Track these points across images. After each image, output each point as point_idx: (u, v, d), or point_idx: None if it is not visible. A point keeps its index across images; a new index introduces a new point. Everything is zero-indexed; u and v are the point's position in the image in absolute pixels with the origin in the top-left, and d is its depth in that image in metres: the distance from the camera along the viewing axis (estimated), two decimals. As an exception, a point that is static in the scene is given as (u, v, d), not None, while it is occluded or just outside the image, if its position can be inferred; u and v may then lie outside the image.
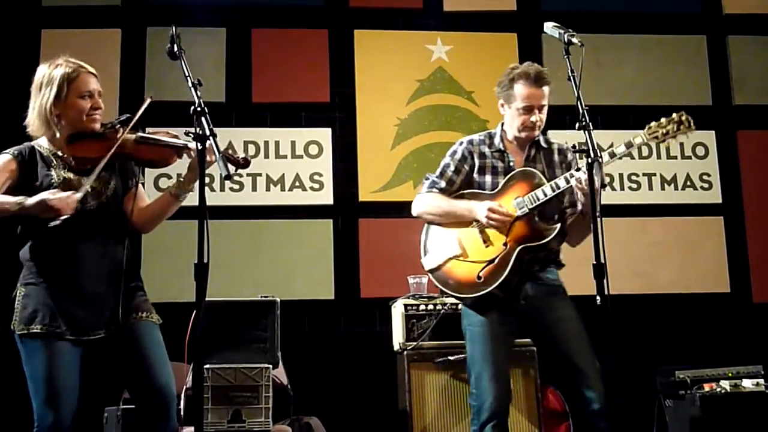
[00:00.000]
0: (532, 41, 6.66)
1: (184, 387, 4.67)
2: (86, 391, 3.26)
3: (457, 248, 3.91)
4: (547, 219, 3.79)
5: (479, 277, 3.80)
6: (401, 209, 6.20)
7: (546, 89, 3.89)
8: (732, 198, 6.67)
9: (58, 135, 3.30)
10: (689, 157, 6.69)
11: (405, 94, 6.61)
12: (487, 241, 3.84)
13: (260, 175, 6.32)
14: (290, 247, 6.23)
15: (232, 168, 3.16)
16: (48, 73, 3.34)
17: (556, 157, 3.99)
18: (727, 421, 4.86)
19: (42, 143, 3.33)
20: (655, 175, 6.64)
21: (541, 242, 3.73)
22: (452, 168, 4.03)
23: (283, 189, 6.33)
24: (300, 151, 6.40)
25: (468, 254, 3.88)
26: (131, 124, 3.28)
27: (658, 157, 6.66)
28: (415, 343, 4.92)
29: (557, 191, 3.72)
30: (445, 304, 4.98)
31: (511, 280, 3.75)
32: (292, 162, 6.36)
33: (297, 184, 6.35)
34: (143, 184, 3.50)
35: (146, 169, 3.61)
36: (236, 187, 6.23)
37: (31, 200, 3.06)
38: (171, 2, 6.36)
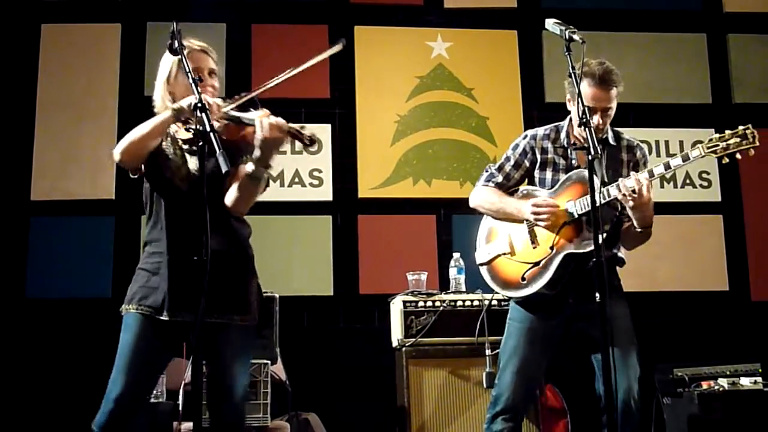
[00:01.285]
0: (532, 38, 6.66)
1: (183, 382, 4.67)
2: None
3: (506, 246, 3.90)
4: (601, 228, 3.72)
5: (523, 278, 3.78)
6: (401, 206, 6.25)
7: (613, 91, 3.80)
8: (731, 196, 6.67)
9: None
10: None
11: (405, 91, 6.60)
12: (535, 241, 3.82)
13: (271, 173, 6.29)
14: (289, 243, 6.23)
15: (299, 145, 3.13)
16: (166, 56, 3.35)
17: (624, 155, 3.93)
18: (725, 419, 4.86)
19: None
20: (654, 173, 6.63)
21: (585, 250, 3.67)
22: (512, 162, 4.00)
23: (282, 185, 6.32)
24: (299, 147, 6.37)
25: (516, 253, 3.87)
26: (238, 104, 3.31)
27: (658, 154, 6.66)
28: (413, 340, 4.93)
29: (608, 199, 3.66)
30: (444, 301, 4.99)
31: (555, 284, 3.72)
32: (291, 158, 6.35)
33: (296, 180, 6.34)
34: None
35: None
36: (236, 182, 6.22)
37: (185, 103, 3.13)
38: (171, -3, 6.37)
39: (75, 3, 6.39)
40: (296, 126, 3.13)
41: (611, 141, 3.93)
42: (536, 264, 3.78)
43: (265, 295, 4.86)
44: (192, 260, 3.00)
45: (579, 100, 3.36)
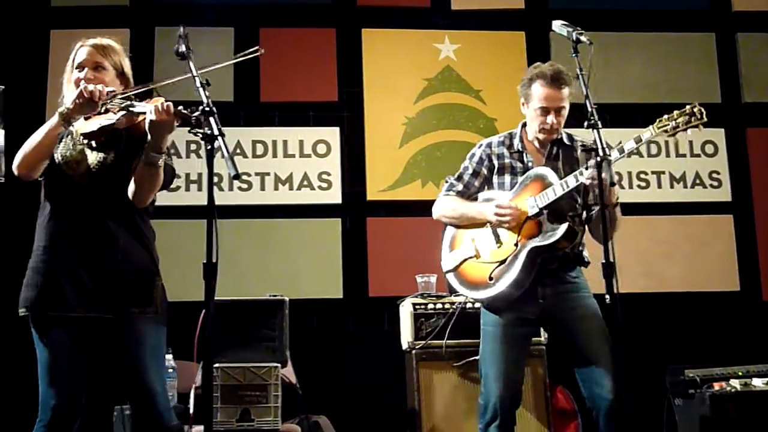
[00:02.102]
0: (540, 39, 6.66)
1: (194, 386, 4.68)
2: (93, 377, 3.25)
3: (471, 249, 3.93)
4: (561, 218, 3.74)
5: (491, 278, 3.80)
6: (409, 208, 6.24)
7: (565, 91, 3.85)
8: (742, 196, 6.65)
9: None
10: (698, 155, 6.67)
11: (413, 93, 6.60)
12: (499, 241, 3.85)
13: (268, 174, 6.33)
14: (298, 246, 6.24)
15: (172, 121, 3.11)
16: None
17: (579, 154, 3.94)
18: (737, 420, 4.84)
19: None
20: (664, 173, 6.62)
21: (548, 242, 3.71)
22: (470, 171, 4.07)
23: (291, 188, 6.33)
24: (308, 150, 6.41)
25: (481, 255, 3.89)
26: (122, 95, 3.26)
27: (667, 155, 6.65)
28: (423, 342, 4.93)
29: (567, 189, 3.69)
30: (453, 303, 4.98)
31: (523, 280, 3.74)
32: (300, 161, 6.37)
33: (305, 183, 6.35)
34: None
35: None
36: (244, 186, 6.24)
37: (68, 101, 3.18)
38: (179, 2, 6.38)
39: (84, 9, 6.41)
40: (184, 109, 3.09)
41: (566, 141, 3.98)
42: (502, 262, 3.80)
43: (274, 298, 4.92)
44: (81, 252, 3.12)
45: (587, 101, 3.36)
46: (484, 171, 4.03)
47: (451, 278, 4.01)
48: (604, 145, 3.25)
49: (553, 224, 3.73)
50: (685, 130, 3.58)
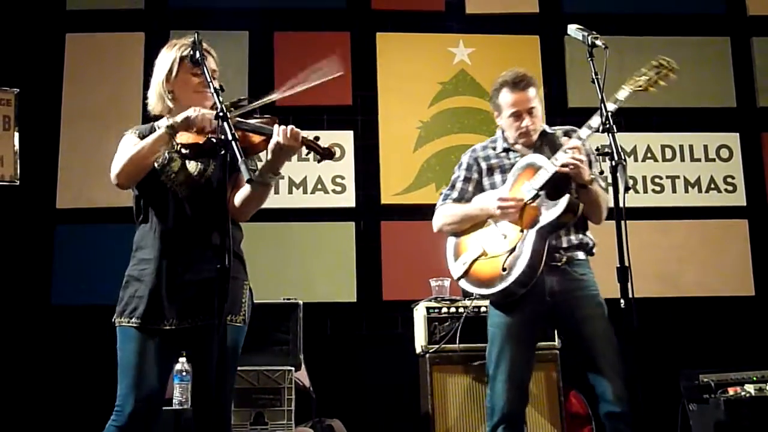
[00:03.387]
0: (554, 44, 6.65)
1: (207, 389, 4.69)
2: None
3: (478, 249, 3.92)
4: (560, 195, 3.73)
5: (504, 269, 3.78)
6: (423, 212, 6.20)
7: (531, 91, 3.94)
8: (757, 200, 6.62)
9: (172, 108, 3.31)
10: (713, 160, 6.65)
11: (427, 97, 6.61)
12: (504, 233, 3.84)
13: (282, 177, 6.32)
14: (312, 249, 6.25)
15: (299, 147, 3.16)
16: (165, 53, 3.40)
17: (562, 140, 3.93)
18: (752, 425, 4.82)
19: (161, 123, 3.32)
20: (678, 177, 6.60)
21: (553, 219, 3.70)
22: (461, 178, 4.11)
23: (305, 192, 6.34)
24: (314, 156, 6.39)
25: (489, 251, 3.88)
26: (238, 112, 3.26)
27: (682, 159, 6.63)
28: (437, 346, 4.93)
29: (557, 166, 3.69)
30: (467, 307, 4.98)
31: (536, 263, 3.72)
32: (314, 165, 6.35)
33: (319, 186, 6.36)
34: (254, 170, 3.35)
35: None
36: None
37: (177, 118, 3.14)
38: (194, 6, 6.40)
39: (99, 12, 6.45)
40: (311, 137, 3.13)
41: (548, 131, 4.02)
42: (512, 250, 3.79)
43: (288, 301, 4.93)
44: (183, 263, 3.14)
45: (602, 106, 3.37)
46: (475, 175, 4.07)
47: (464, 284, 3.99)
48: (619, 150, 3.24)
49: (552, 202, 3.73)
50: (657, 82, 3.70)
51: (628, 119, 6.28)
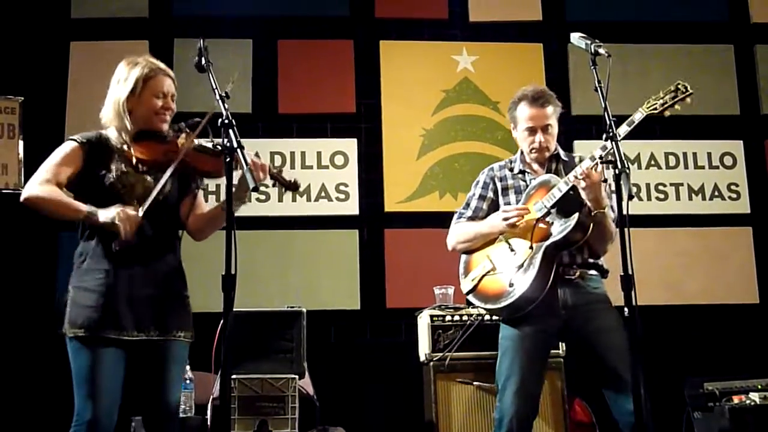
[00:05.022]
0: (558, 51, 6.66)
1: (211, 397, 4.69)
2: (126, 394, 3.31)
3: (488, 264, 3.93)
4: (570, 214, 3.74)
5: (511, 284, 3.79)
6: (427, 220, 6.24)
7: (549, 109, 3.96)
8: (760, 208, 6.61)
9: (129, 128, 3.35)
10: (717, 167, 6.64)
11: (430, 105, 6.61)
12: (514, 250, 3.85)
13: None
14: (316, 257, 6.25)
15: (264, 179, 3.21)
16: (127, 70, 3.41)
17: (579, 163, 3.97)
18: (757, 433, 4.82)
19: (110, 134, 3.39)
20: (682, 185, 6.60)
21: (562, 235, 3.70)
22: (477, 195, 4.12)
23: (309, 199, 6.35)
24: (326, 162, 6.42)
25: (498, 267, 3.89)
26: (195, 132, 3.33)
27: (686, 167, 6.63)
28: (441, 354, 4.91)
29: (570, 185, 3.70)
30: (471, 315, 4.97)
31: (543, 281, 3.72)
32: (317, 172, 6.38)
33: (323, 194, 6.37)
34: (203, 190, 3.52)
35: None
36: (263, 197, 6.25)
37: (103, 217, 3.16)
38: (198, 14, 6.42)
39: (103, 21, 6.47)
40: (276, 170, 3.20)
41: (563, 157, 4.04)
42: (520, 267, 3.79)
43: (292, 309, 4.93)
44: (138, 277, 3.21)
45: (606, 113, 3.36)
46: (490, 194, 4.08)
47: (473, 299, 3.99)
48: (623, 158, 3.24)
49: (563, 219, 3.74)
50: (673, 105, 3.68)
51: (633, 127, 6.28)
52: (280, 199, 6.29)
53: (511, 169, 4.09)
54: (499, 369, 3.86)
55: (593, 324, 3.77)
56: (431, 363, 4.90)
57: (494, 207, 4.05)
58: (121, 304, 3.20)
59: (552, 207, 3.76)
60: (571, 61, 6.54)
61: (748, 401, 4.93)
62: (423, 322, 5.05)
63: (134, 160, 3.29)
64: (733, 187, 6.63)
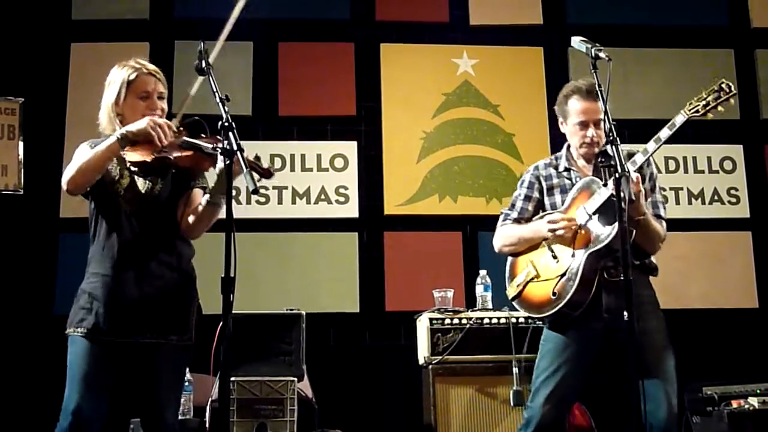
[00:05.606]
0: (558, 55, 6.66)
1: (210, 399, 4.69)
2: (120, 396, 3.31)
3: (532, 271, 3.88)
4: (613, 221, 3.63)
5: (554, 293, 3.74)
6: (427, 222, 6.25)
7: (601, 104, 3.84)
8: (760, 212, 6.61)
9: None
10: (717, 172, 6.65)
11: (431, 108, 6.61)
12: (556, 257, 3.79)
13: (286, 188, 6.34)
14: (316, 260, 6.25)
15: (256, 177, 3.19)
16: (114, 73, 3.46)
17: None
18: (756, 438, 4.82)
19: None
20: (682, 189, 6.60)
21: (604, 244, 3.63)
22: (522, 196, 4.05)
23: (308, 202, 6.35)
24: (326, 164, 6.42)
25: (541, 274, 3.84)
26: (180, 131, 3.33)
27: (686, 171, 6.63)
28: (440, 357, 4.92)
29: (611, 191, 3.61)
30: (470, 318, 4.98)
31: (586, 288, 3.67)
32: (317, 175, 6.38)
33: (323, 197, 6.36)
34: (204, 188, 3.46)
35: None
36: (262, 200, 6.26)
37: (135, 128, 3.20)
38: (198, 16, 6.41)
39: (104, 22, 6.46)
40: (253, 159, 3.18)
41: (610, 152, 3.92)
42: (563, 275, 3.75)
43: (291, 312, 4.94)
44: (133, 280, 3.20)
45: (606, 117, 3.35)
46: (536, 194, 4.02)
47: (517, 305, 3.95)
48: (623, 161, 3.23)
49: (605, 227, 3.68)
50: (716, 107, 3.59)
51: (633, 131, 6.28)
52: (280, 202, 6.30)
53: (556, 167, 4.01)
54: (537, 370, 3.81)
55: (638, 324, 3.72)
56: (430, 366, 4.90)
57: (540, 206, 4.00)
58: (115, 307, 3.22)
59: (594, 213, 3.70)
60: (572, 64, 6.54)
61: (747, 406, 4.93)
62: (422, 325, 5.06)
63: (128, 164, 3.29)
64: (732, 192, 6.63)
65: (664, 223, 3.84)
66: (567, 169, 3.97)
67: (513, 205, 4.07)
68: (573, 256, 3.73)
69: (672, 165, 6.61)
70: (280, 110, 6.48)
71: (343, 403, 5.65)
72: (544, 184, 4.00)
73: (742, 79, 6.79)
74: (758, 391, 5.10)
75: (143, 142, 3.24)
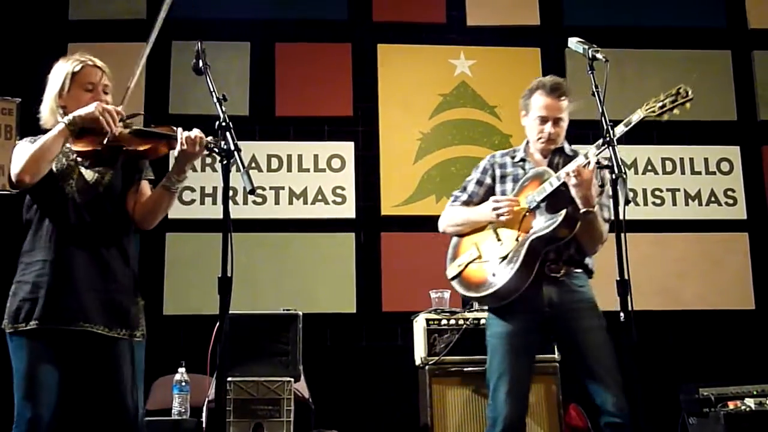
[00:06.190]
0: (555, 56, 6.66)
1: (206, 399, 4.69)
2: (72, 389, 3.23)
3: (474, 252, 3.95)
4: (560, 209, 3.74)
5: (493, 275, 3.81)
6: (424, 223, 6.24)
7: (564, 102, 3.94)
8: (757, 214, 6.61)
9: None
10: (714, 173, 6.65)
11: (428, 108, 6.62)
12: (500, 239, 3.87)
13: (283, 188, 6.34)
14: (313, 260, 6.25)
15: (200, 151, 3.18)
16: (59, 66, 3.44)
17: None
18: (752, 439, 4.82)
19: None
20: (679, 190, 6.60)
21: (548, 230, 3.71)
22: (474, 180, 4.13)
23: (305, 202, 6.34)
24: (323, 165, 6.42)
25: (484, 256, 3.91)
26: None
27: (682, 172, 6.63)
28: (436, 358, 4.92)
29: (561, 181, 3.70)
30: (467, 319, 4.98)
31: (525, 273, 3.73)
32: (314, 175, 6.38)
33: (319, 197, 6.36)
34: (152, 180, 3.44)
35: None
36: (259, 200, 6.26)
37: (84, 113, 3.15)
38: (196, 17, 6.40)
39: (101, 22, 6.46)
40: (211, 139, 3.15)
41: (567, 152, 4.00)
42: (505, 258, 3.80)
43: (288, 312, 4.93)
44: (80, 267, 3.12)
45: (603, 118, 3.37)
46: (488, 180, 4.09)
47: (456, 284, 4.02)
48: (620, 162, 3.24)
49: (551, 215, 3.74)
50: (672, 109, 3.65)
51: (629, 132, 6.27)
52: (277, 202, 6.30)
53: (513, 157, 4.08)
54: (490, 367, 3.86)
55: (576, 324, 3.78)
56: (427, 367, 4.90)
57: (490, 193, 4.06)
58: (60, 293, 3.13)
59: (542, 201, 3.77)
60: (569, 65, 6.53)
61: (743, 407, 4.94)
62: (419, 325, 5.06)
63: (74, 155, 3.26)
64: (729, 193, 6.63)
65: (607, 226, 3.86)
66: (522, 160, 4.05)
67: (464, 188, 4.15)
68: (517, 239, 3.80)
69: (669, 166, 6.62)
70: (277, 110, 6.48)
71: (339, 404, 5.65)
72: (497, 171, 4.08)
73: (739, 81, 6.81)
74: (755, 393, 5.11)
75: (89, 132, 3.19)
